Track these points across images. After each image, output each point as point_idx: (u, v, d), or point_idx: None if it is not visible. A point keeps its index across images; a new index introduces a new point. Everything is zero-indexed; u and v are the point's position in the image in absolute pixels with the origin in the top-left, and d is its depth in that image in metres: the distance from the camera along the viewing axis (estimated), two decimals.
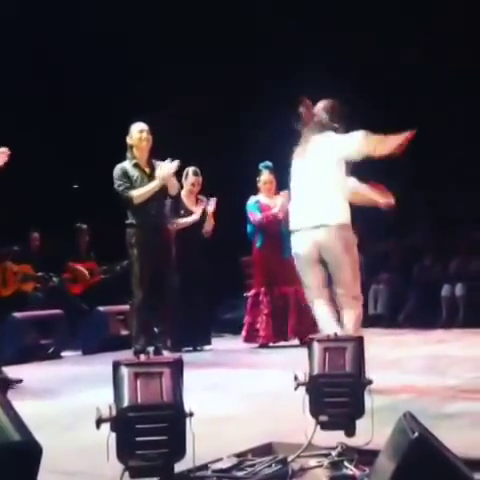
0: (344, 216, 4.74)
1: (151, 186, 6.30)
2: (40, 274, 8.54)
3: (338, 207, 4.76)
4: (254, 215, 7.67)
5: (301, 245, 4.76)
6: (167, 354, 6.30)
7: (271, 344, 7.56)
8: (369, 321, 10.12)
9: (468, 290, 9.76)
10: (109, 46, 10.28)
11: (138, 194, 6.28)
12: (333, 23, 10.47)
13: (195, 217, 7.50)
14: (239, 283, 9.19)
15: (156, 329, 6.56)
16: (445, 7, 10.12)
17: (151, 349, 6.13)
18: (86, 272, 8.82)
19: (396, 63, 10.73)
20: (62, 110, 10.47)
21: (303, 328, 7.08)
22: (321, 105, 4.94)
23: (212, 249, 7.66)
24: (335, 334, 3.05)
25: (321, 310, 4.74)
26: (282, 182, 6.80)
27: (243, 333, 7.72)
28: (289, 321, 7.50)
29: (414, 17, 10.52)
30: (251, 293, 7.77)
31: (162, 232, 6.47)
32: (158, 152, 6.52)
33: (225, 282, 8.99)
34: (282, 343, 7.53)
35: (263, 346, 7.55)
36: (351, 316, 4.69)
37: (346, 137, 4.78)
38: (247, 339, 7.67)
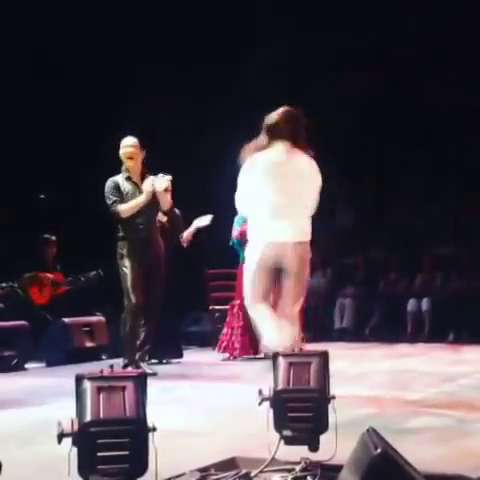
0: None
1: (137, 201, 6.25)
2: (3, 284, 8.40)
3: None
4: (234, 230, 7.64)
5: None
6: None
7: (244, 357, 7.56)
8: (335, 335, 10.21)
9: (434, 305, 9.84)
10: (109, 46, 10.30)
11: (125, 208, 6.23)
12: (333, 23, 10.54)
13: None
14: (203, 296, 9.15)
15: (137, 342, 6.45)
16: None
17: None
18: (51, 276, 8.68)
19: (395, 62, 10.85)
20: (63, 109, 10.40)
21: None
22: None
23: (176, 260, 7.61)
24: (300, 349, 3.05)
25: None
26: None
27: (219, 344, 7.74)
28: None
29: (414, 17, 10.62)
30: (229, 305, 7.84)
31: (152, 246, 6.40)
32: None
33: (190, 294, 8.94)
34: (251, 356, 7.52)
35: (236, 358, 7.56)
36: None
37: None
38: (222, 350, 7.68)
